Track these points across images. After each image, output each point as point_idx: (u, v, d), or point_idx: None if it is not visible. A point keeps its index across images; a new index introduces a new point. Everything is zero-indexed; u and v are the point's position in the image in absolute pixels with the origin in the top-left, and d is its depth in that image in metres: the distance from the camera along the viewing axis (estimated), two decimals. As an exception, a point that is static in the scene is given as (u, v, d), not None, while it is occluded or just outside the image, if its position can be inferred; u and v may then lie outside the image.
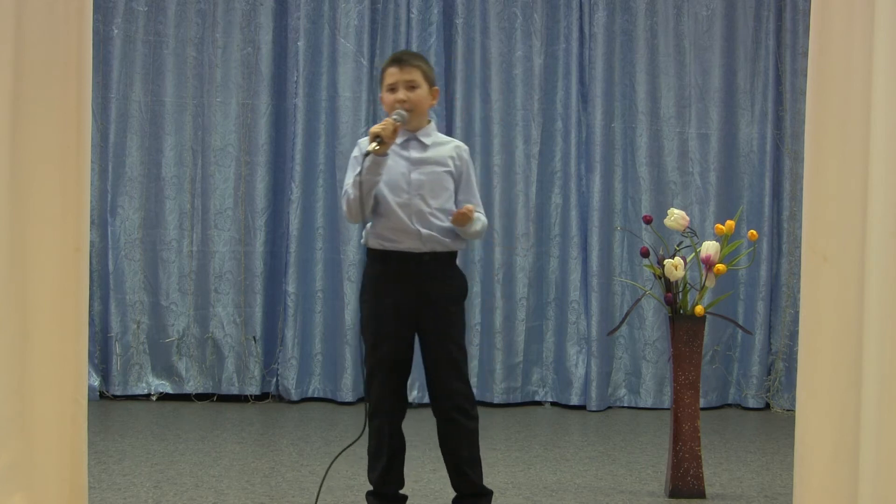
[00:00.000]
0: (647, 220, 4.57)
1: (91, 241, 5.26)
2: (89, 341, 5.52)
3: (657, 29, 6.51)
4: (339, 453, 3.84)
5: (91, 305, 6.06)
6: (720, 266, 4.29)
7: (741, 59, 6.54)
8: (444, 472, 3.76)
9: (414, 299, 3.63)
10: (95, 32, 6.08)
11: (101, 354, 6.35)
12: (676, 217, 4.38)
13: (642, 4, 6.50)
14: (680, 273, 4.29)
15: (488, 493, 3.76)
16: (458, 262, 3.76)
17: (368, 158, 3.53)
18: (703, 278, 4.34)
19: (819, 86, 3.07)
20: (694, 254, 4.40)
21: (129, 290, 6.35)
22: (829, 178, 3.05)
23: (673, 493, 4.28)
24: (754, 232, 4.45)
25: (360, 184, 3.54)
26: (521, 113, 6.47)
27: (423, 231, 3.61)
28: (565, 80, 6.49)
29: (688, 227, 4.41)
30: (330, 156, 6.38)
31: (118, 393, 6.33)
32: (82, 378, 3.24)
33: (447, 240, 3.66)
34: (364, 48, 6.37)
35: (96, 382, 6.26)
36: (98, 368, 6.31)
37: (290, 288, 6.36)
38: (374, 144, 3.51)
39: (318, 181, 6.37)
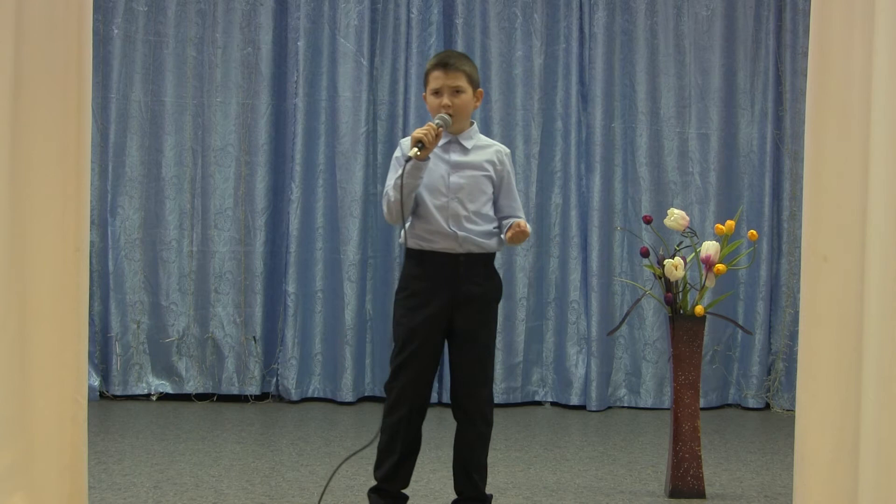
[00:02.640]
0: (647, 220, 4.57)
1: (91, 241, 5.26)
2: (89, 341, 5.51)
3: (657, 29, 6.51)
4: (349, 456, 3.83)
5: (91, 305, 6.06)
6: (720, 266, 4.29)
7: (741, 59, 6.53)
8: (444, 473, 3.76)
9: (448, 300, 3.64)
10: (95, 32, 6.08)
11: (101, 354, 6.35)
12: (676, 217, 4.38)
13: (642, 4, 6.49)
14: (680, 273, 4.29)
15: (488, 498, 3.78)
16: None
17: (409, 163, 3.53)
18: (703, 278, 4.34)
19: (819, 86, 3.07)
20: (694, 254, 4.39)
21: (129, 290, 6.35)
22: (829, 178, 3.05)
23: (673, 493, 4.28)
24: (754, 232, 4.45)
25: (400, 187, 3.54)
26: (521, 113, 6.47)
27: (460, 234, 3.62)
28: (565, 80, 6.49)
29: (688, 227, 4.41)
30: (330, 156, 6.38)
31: (118, 393, 6.32)
32: (82, 378, 3.24)
33: (484, 241, 3.67)
34: (364, 48, 6.37)
35: (96, 382, 6.26)
36: (98, 368, 6.31)
37: (290, 288, 6.36)
38: (415, 150, 3.52)
39: (318, 181, 6.37)
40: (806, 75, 3.25)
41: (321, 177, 6.37)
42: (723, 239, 4.38)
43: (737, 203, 6.45)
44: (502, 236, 3.71)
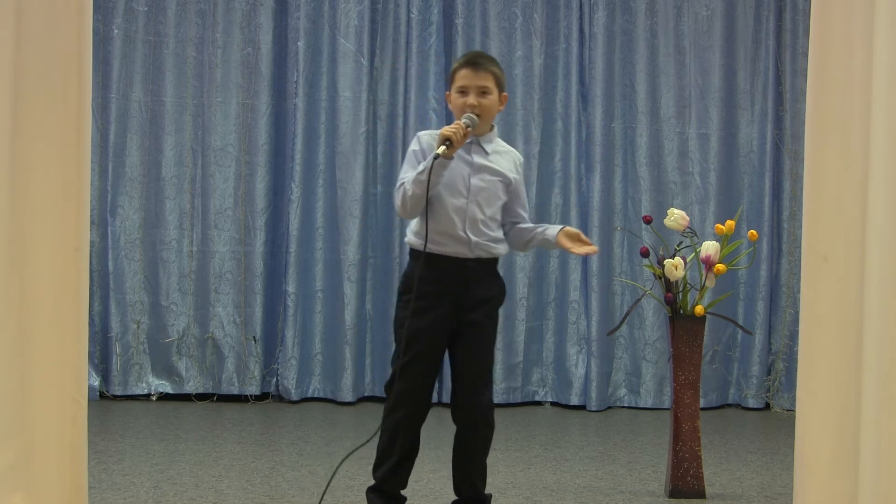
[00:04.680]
0: (647, 220, 4.57)
1: (91, 241, 5.26)
2: (89, 341, 5.52)
3: (657, 29, 6.51)
4: (350, 453, 3.81)
5: (91, 305, 6.06)
6: (720, 266, 4.29)
7: (741, 59, 6.53)
8: (444, 473, 3.76)
9: (456, 304, 3.61)
10: (95, 32, 6.08)
11: (101, 354, 6.35)
12: (676, 217, 4.38)
13: (642, 4, 6.49)
14: (680, 273, 4.29)
15: (487, 498, 3.78)
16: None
17: (437, 161, 3.48)
18: (703, 278, 4.34)
19: (819, 86, 3.07)
20: (694, 254, 4.39)
21: (129, 290, 6.35)
22: (829, 178, 3.05)
23: (673, 493, 4.28)
24: (754, 232, 4.45)
25: (424, 183, 3.49)
26: (521, 113, 6.47)
27: (473, 239, 3.60)
28: (565, 80, 6.49)
29: (688, 227, 4.41)
30: (330, 156, 6.38)
31: (118, 393, 6.32)
32: (82, 378, 3.24)
33: (494, 246, 3.66)
34: (364, 48, 6.37)
35: (96, 382, 6.26)
36: (98, 368, 6.31)
37: (290, 288, 6.36)
38: (443, 147, 3.48)
39: (318, 181, 6.37)
40: (806, 75, 3.25)
41: (321, 177, 6.37)
42: (723, 239, 4.38)
43: (737, 203, 6.45)
44: (549, 238, 3.68)
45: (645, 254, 4.45)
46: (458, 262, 3.61)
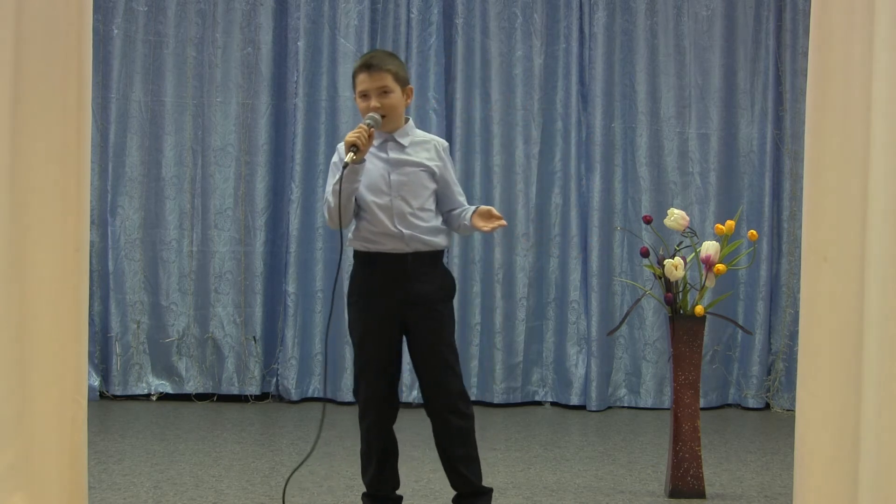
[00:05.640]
0: (647, 220, 4.57)
1: (91, 241, 5.27)
2: (89, 341, 5.52)
3: (657, 29, 6.51)
4: (301, 462, 3.83)
5: (91, 305, 6.06)
6: (720, 266, 4.29)
7: (741, 59, 6.53)
8: (443, 472, 3.76)
9: (400, 301, 3.62)
10: (95, 32, 6.08)
11: (101, 354, 6.35)
12: (676, 217, 4.38)
13: (642, 4, 6.49)
14: (680, 273, 4.29)
15: (488, 491, 3.76)
16: (445, 260, 3.76)
17: (346, 168, 3.52)
18: (703, 278, 4.34)
19: (819, 85, 3.07)
20: (694, 254, 4.39)
21: (129, 290, 6.35)
22: (829, 178, 3.05)
23: (673, 493, 4.28)
24: (754, 232, 4.45)
25: (338, 192, 3.53)
26: (521, 113, 6.47)
27: (406, 232, 3.60)
28: (565, 80, 6.49)
29: (688, 227, 4.40)
30: (330, 156, 6.33)
31: (118, 393, 6.33)
32: (82, 378, 3.25)
33: (431, 238, 3.65)
34: (364, 48, 6.37)
35: (96, 382, 6.26)
36: (98, 368, 6.31)
37: (290, 288, 6.36)
38: (350, 154, 3.50)
39: (318, 181, 6.37)
40: (806, 75, 3.25)
41: (321, 177, 6.37)
42: (723, 239, 4.38)
43: (737, 203, 6.45)
44: (466, 222, 3.67)
45: (645, 254, 4.45)
46: (397, 258, 3.61)
